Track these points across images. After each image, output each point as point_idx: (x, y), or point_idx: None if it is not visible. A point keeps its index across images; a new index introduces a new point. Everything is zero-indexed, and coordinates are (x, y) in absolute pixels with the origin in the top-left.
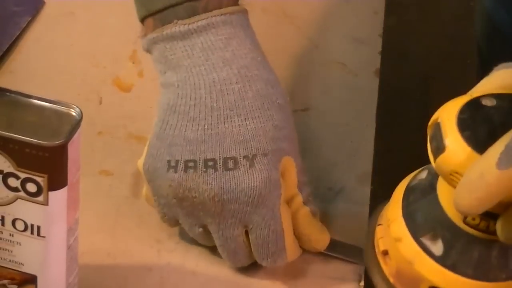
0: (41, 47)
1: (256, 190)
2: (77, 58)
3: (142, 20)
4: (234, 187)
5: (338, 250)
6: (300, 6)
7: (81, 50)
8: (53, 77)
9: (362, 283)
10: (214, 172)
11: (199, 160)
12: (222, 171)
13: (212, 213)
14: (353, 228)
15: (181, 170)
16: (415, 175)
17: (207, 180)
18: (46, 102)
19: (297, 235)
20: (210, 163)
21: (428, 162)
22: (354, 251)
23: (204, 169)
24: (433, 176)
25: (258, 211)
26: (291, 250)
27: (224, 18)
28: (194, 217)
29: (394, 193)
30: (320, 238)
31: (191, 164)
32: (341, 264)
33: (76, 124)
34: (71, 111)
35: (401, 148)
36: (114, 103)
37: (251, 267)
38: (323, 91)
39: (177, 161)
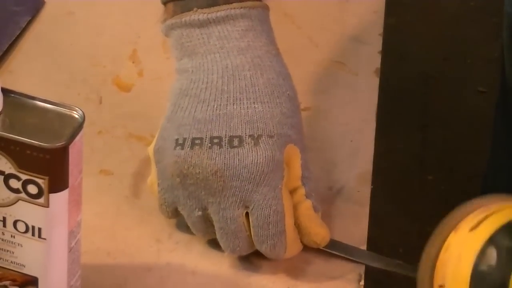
0: (41, 47)
1: (259, 167)
2: (77, 58)
3: (165, 3)
4: (237, 163)
5: (338, 249)
6: (300, 5)
7: (81, 50)
8: (53, 76)
9: (362, 283)
10: (219, 148)
11: (206, 137)
12: (227, 148)
13: (214, 190)
14: (353, 228)
15: (188, 147)
16: (482, 253)
17: (211, 155)
18: (49, 104)
19: (297, 228)
20: (216, 140)
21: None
22: (354, 250)
23: (210, 145)
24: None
25: (259, 189)
26: (291, 237)
27: (243, 11)
28: (195, 199)
29: (455, 260)
30: (319, 232)
31: (197, 141)
32: (341, 263)
33: (78, 126)
34: (74, 113)
35: (401, 148)
36: (114, 103)
37: (251, 267)
38: (323, 91)
39: (184, 139)
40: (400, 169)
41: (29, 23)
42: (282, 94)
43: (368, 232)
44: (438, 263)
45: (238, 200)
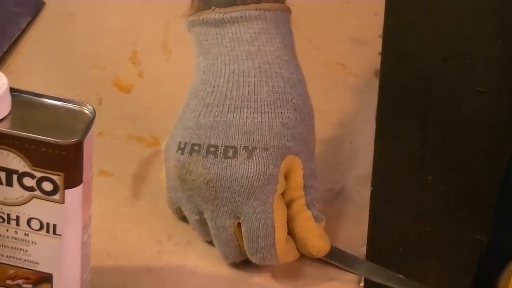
0: (41, 48)
1: (249, 180)
2: (77, 59)
3: None
4: (229, 175)
5: (338, 258)
6: (300, 7)
7: (81, 51)
8: (53, 77)
9: (362, 284)
10: (214, 158)
11: (204, 144)
12: (221, 158)
13: (207, 199)
14: (353, 229)
15: (187, 152)
16: None
17: (206, 164)
18: (57, 101)
19: (294, 238)
20: (212, 149)
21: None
22: (354, 261)
23: (205, 154)
24: None
25: (249, 202)
26: (282, 250)
27: (258, 13)
28: (192, 203)
29: None
30: (316, 244)
31: (196, 148)
32: None
33: (90, 121)
34: (84, 109)
35: (401, 148)
36: (114, 104)
37: (250, 268)
38: (323, 92)
39: (185, 144)
40: (400, 169)
41: (29, 24)
42: (286, 103)
43: (368, 232)
44: None
45: (229, 211)
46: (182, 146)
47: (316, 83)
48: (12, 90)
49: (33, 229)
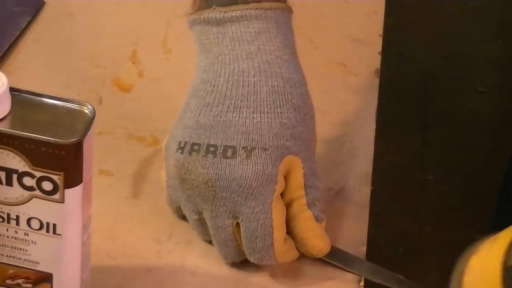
0: (41, 48)
1: (247, 181)
2: (77, 59)
3: None
4: (228, 175)
5: (338, 258)
6: (300, 6)
7: (81, 51)
8: (53, 77)
9: (362, 283)
10: (213, 158)
11: (203, 144)
12: (220, 158)
13: (206, 198)
14: (353, 228)
15: (187, 152)
16: (509, 249)
17: (205, 164)
18: (57, 100)
19: (294, 238)
20: (212, 149)
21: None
22: (354, 260)
23: (204, 154)
24: None
25: (248, 203)
26: (280, 250)
27: (258, 12)
28: (192, 203)
29: (484, 262)
30: (316, 244)
31: (196, 147)
32: None
33: (90, 121)
34: (84, 108)
35: (401, 148)
36: (114, 103)
37: (250, 268)
38: (323, 91)
39: (185, 143)
40: (400, 169)
41: (29, 23)
42: (286, 103)
43: (368, 232)
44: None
45: (228, 211)
46: (182, 145)
47: (316, 82)
48: (12, 90)
49: (33, 229)
